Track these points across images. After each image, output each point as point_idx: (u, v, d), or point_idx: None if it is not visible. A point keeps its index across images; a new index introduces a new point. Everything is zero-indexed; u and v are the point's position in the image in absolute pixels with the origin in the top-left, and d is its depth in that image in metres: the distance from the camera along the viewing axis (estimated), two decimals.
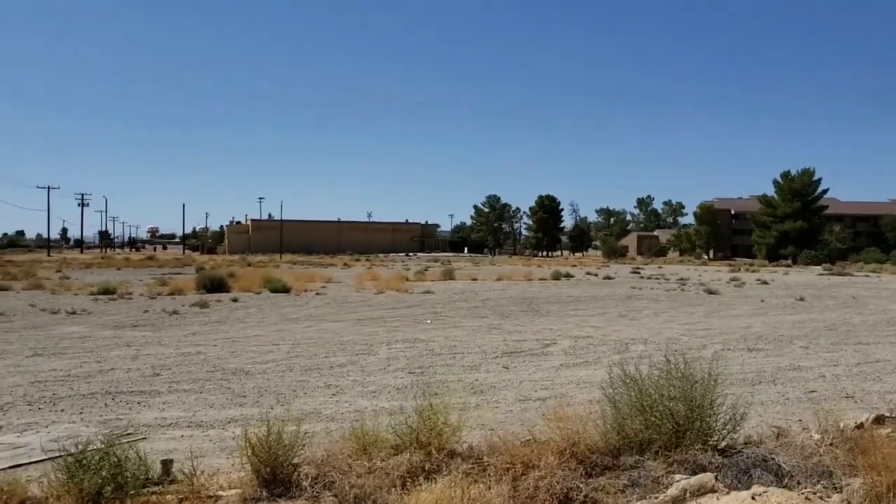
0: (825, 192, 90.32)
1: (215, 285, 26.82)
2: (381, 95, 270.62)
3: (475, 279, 38.69)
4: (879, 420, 7.04)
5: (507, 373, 11.04)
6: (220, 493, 5.01)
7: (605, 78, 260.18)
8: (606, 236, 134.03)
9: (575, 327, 17.43)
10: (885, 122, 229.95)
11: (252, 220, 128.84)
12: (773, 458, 5.54)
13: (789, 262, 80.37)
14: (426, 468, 5.35)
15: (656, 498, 4.55)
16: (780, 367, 11.73)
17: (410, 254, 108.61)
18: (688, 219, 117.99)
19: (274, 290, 27.10)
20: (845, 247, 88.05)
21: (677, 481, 4.74)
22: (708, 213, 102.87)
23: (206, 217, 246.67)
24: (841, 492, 4.54)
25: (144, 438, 7.11)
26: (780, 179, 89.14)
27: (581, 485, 4.79)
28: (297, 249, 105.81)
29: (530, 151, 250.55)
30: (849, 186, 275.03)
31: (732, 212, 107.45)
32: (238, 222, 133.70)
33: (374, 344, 14.14)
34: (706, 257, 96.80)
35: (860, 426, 7.20)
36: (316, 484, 4.99)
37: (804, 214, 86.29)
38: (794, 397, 9.40)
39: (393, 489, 4.89)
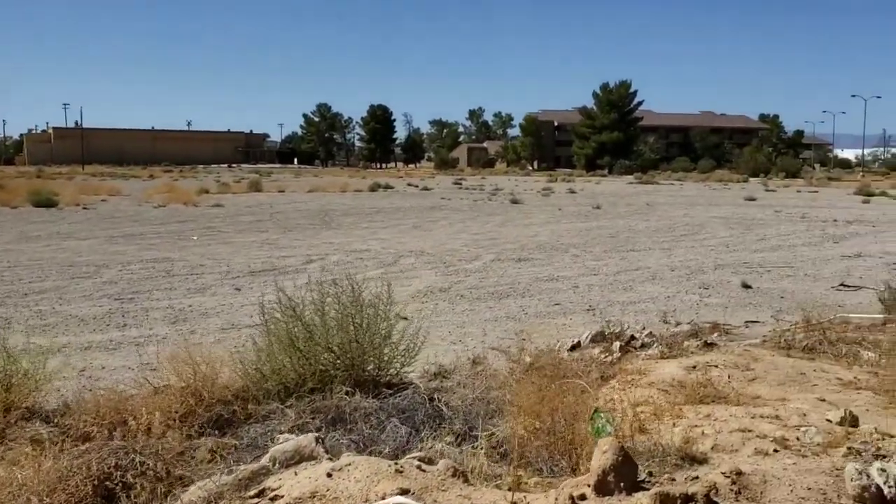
0: (640, 103, 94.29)
1: None
2: None
3: (282, 191, 36.63)
4: (575, 346, 6.35)
5: (235, 295, 9.66)
6: None
7: None
8: (439, 148, 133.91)
9: (358, 241, 16.30)
10: (697, 35, 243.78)
11: (54, 128, 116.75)
12: (438, 399, 4.58)
13: (605, 171, 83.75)
14: None
15: (239, 469, 3.40)
16: (539, 278, 11.17)
17: (233, 165, 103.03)
18: (517, 131, 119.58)
19: (38, 204, 23.95)
20: (658, 157, 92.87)
21: (277, 444, 3.62)
22: (532, 125, 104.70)
23: (3, 125, 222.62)
24: (454, 454, 3.59)
25: None
26: (598, 91, 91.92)
27: (146, 458, 3.53)
28: (107, 161, 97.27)
29: (364, 60, 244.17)
30: (663, 98, 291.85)
31: (556, 123, 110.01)
32: (42, 130, 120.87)
33: (109, 265, 12.27)
34: (530, 168, 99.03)
35: (575, 347, 6.53)
36: None
37: (620, 126, 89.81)
38: (534, 312, 8.74)
39: None
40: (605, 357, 5.85)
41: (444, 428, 4.13)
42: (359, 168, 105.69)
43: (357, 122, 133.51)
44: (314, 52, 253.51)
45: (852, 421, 3.90)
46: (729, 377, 5.07)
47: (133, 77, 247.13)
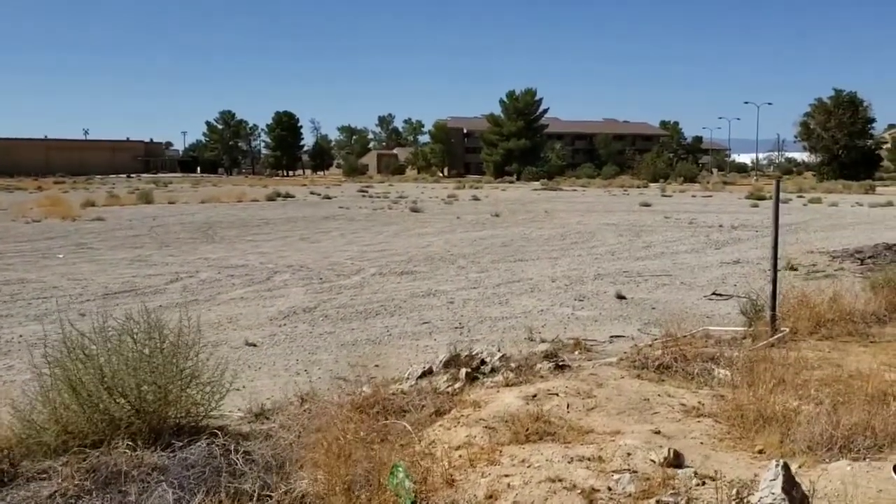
0: (546, 111, 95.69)
1: None
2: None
3: (173, 202, 35.09)
4: (427, 373, 5.93)
5: (77, 322, 8.79)
6: None
7: None
8: (347, 154, 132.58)
9: (238, 255, 15.51)
10: (603, 44, 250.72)
11: None
12: (235, 451, 4.04)
13: (513, 178, 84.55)
14: None
15: None
16: (416, 293, 10.74)
17: (132, 175, 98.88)
18: (427, 137, 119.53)
19: None
20: (564, 163, 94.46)
21: None
22: (442, 132, 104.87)
23: None
24: None
25: None
26: (505, 99, 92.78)
27: None
28: None
29: (272, 67, 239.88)
30: (568, 107, 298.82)
31: (465, 130, 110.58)
32: None
33: None
34: (440, 175, 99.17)
35: (426, 373, 6.09)
36: None
37: (527, 133, 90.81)
38: (399, 332, 8.28)
39: None
40: (449, 386, 5.44)
41: (232, 487, 3.60)
42: (264, 176, 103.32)
43: (262, 130, 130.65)
44: (219, 57, 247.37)
45: (675, 461, 3.60)
46: (568, 407, 4.75)
47: (25, 85, 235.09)
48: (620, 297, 10.24)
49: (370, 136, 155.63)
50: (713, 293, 10.38)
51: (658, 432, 4.27)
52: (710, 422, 4.53)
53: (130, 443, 3.97)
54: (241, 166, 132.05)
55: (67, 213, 25.79)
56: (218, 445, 3.98)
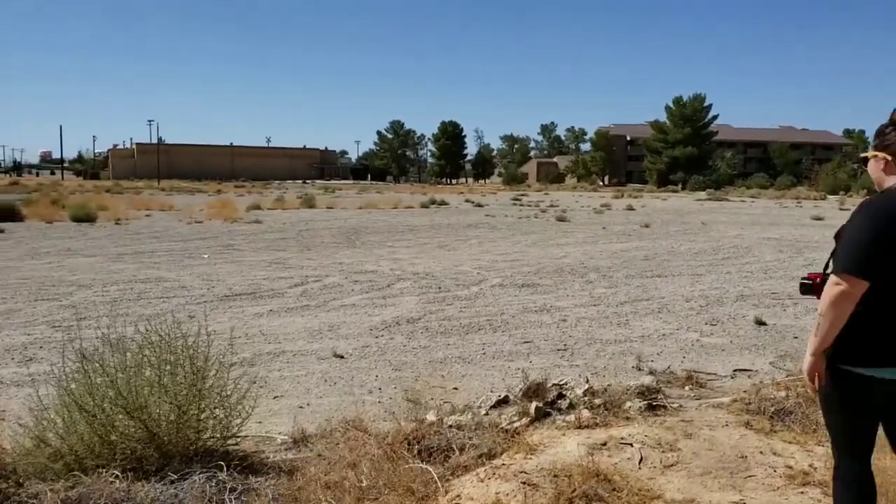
0: (715, 117, 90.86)
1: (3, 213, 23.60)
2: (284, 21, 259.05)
3: (331, 208, 36.30)
4: (503, 402, 5.26)
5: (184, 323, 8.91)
6: None
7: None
8: (508, 163, 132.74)
9: (371, 261, 15.49)
10: (776, 48, 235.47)
11: (137, 143, 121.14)
12: (226, 493, 3.62)
13: (678, 187, 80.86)
14: None
15: None
16: (529, 308, 10.05)
17: (307, 181, 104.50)
18: (589, 146, 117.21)
19: (76, 219, 24.20)
20: (735, 172, 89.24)
21: None
22: (604, 140, 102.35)
23: (94, 140, 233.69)
24: None
25: None
26: (671, 105, 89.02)
27: None
28: (187, 176, 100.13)
29: (437, 76, 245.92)
30: (740, 113, 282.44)
31: (628, 138, 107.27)
32: (128, 147, 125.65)
33: (93, 285, 11.81)
34: (601, 183, 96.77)
35: (502, 402, 5.45)
36: None
37: (695, 140, 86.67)
38: (495, 351, 7.66)
39: None
40: (513, 423, 4.77)
41: None
42: (428, 184, 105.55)
43: (429, 139, 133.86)
44: (391, 70, 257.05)
45: None
46: (640, 461, 3.95)
47: (216, 95, 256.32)
48: (760, 322, 9.00)
49: (531, 144, 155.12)
50: None
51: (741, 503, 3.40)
52: (818, 493, 3.58)
53: (134, 468, 3.67)
54: (409, 175, 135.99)
55: (230, 216, 27.25)
56: (220, 481, 3.59)
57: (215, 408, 4.17)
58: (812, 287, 2.79)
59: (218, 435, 4.08)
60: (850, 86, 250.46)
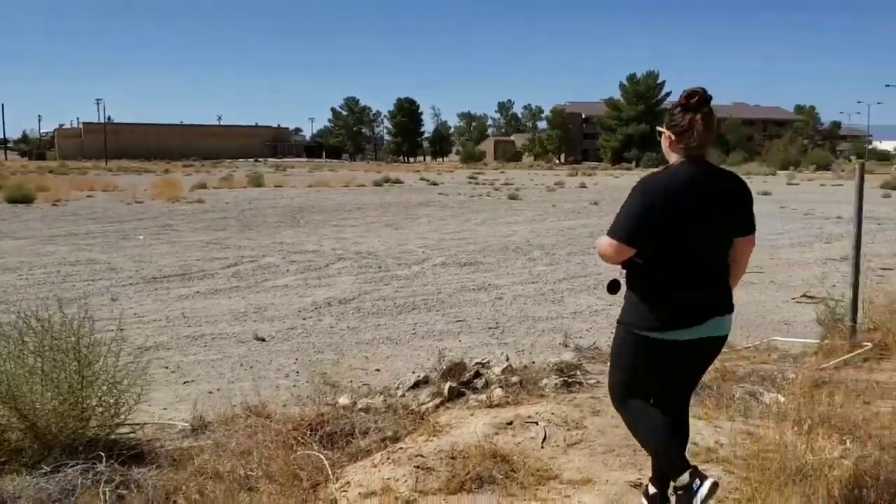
0: (669, 94, 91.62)
1: None
2: None
3: (280, 186, 35.74)
4: (421, 383, 5.14)
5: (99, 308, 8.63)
6: None
7: None
8: (466, 141, 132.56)
9: (314, 241, 15.24)
10: (729, 25, 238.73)
11: (84, 123, 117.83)
12: (101, 485, 3.43)
13: (632, 165, 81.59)
14: None
15: None
16: (467, 287, 9.95)
17: (260, 160, 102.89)
18: (546, 123, 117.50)
19: (11, 200, 23.44)
20: None
21: None
22: (560, 118, 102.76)
23: (40, 120, 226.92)
24: None
25: None
26: (625, 82, 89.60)
27: None
28: (137, 155, 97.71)
29: (393, 52, 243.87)
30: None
31: (584, 116, 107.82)
32: (75, 126, 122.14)
33: (19, 268, 11.37)
34: (556, 161, 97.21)
35: (421, 383, 5.32)
36: None
37: (648, 117, 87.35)
38: (426, 331, 7.53)
39: None
40: (424, 403, 4.65)
41: None
42: (385, 162, 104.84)
43: (385, 116, 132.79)
44: (346, 45, 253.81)
45: None
46: (544, 440, 3.86)
47: (165, 72, 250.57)
48: None
49: (489, 122, 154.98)
50: (803, 295, 8.98)
51: (639, 484, 3.33)
52: (719, 471, 3.53)
53: (9, 459, 3.46)
54: (365, 152, 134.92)
55: (173, 195, 26.62)
56: (97, 472, 3.39)
57: (103, 396, 3.96)
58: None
59: (105, 423, 3.88)
60: (802, 61, 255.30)
